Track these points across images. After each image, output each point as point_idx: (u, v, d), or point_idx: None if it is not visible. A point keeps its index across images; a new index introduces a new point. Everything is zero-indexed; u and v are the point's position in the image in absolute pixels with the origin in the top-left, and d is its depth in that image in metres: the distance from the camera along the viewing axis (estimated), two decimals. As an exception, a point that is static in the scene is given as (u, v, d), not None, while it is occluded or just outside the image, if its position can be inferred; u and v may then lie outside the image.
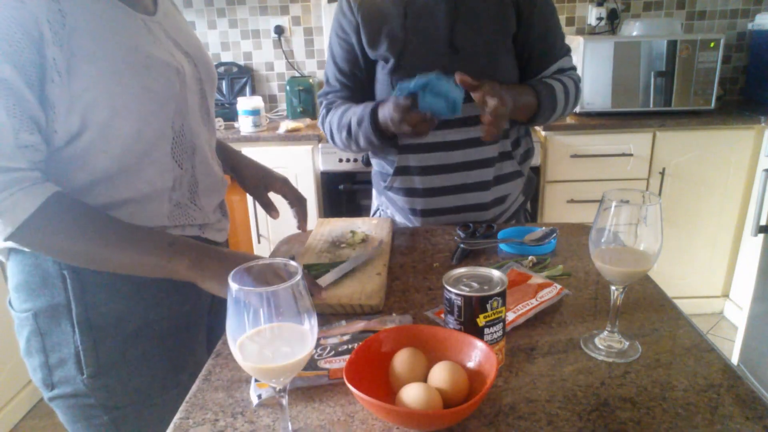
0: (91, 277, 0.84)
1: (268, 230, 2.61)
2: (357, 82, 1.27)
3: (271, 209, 1.14)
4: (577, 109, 2.53)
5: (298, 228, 1.16)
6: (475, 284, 0.71)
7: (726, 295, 2.75)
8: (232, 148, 1.17)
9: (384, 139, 1.15)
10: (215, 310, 1.05)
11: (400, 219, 1.33)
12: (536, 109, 1.16)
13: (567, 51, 1.26)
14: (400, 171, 1.24)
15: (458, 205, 1.24)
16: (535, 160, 2.44)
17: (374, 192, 1.41)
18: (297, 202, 1.14)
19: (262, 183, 1.15)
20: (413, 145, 1.20)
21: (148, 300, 0.89)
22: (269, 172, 1.16)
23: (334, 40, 1.26)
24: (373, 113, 1.12)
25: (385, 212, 1.37)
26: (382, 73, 1.22)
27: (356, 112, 1.17)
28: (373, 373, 0.67)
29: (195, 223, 0.94)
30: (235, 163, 1.15)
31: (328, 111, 1.29)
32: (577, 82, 1.25)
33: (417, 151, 1.21)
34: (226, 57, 3.04)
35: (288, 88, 2.84)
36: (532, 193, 1.39)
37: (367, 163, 2.47)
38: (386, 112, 1.07)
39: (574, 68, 1.28)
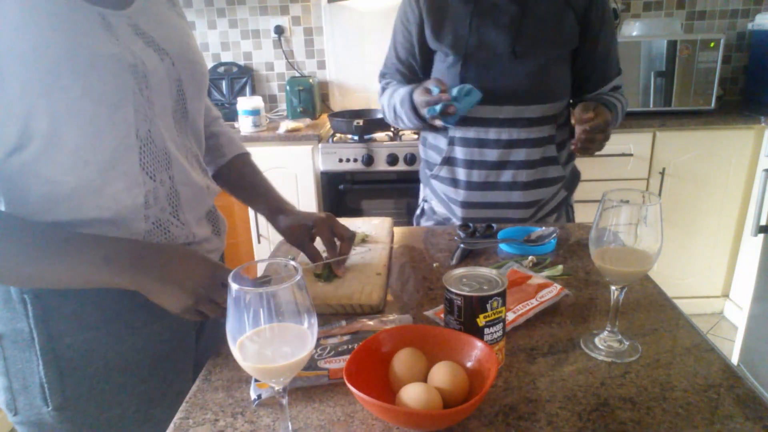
0: (54, 303, 0.77)
1: (268, 230, 2.61)
2: (411, 70, 1.36)
3: (317, 259, 1.00)
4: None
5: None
6: (475, 284, 0.71)
7: (726, 295, 2.75)
8: (267, 193, 1.06)
9: (421, 118, 1.24)
10: (205, 335, 1.00)
11: (442, 210, 1.39)
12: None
13: (620, 70, 1.34)
14: (447, 161, 1.31)
15: (496, 201, 1.30)
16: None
17: (421, 184, 1.49)
18: (331, 246, 1.00)
19: (306, 236, 1.01)
20: (461, 138, 1.28)
21: (121, 331, 0.81)
22: (306, 228, 1.01)
23: (398, 26, 1.34)
24: (411, 96, 1.24)
25: (429, 203, 1.44)
26: (441, 65, 1.29)
27: (400, 93, 1.29)
28: (373, 373, 0.67)
29: (177, 244, 0.85)
30: (273, 221, 1.05)
31: (383, 90, 1.41)
32: (624, 99, 1.34)
33: (464, 145, 1.28)
34: (226, 57, 3.04)
35: (288, 88, 2.84)
36: (575, 188, 1.43)
37: (368, 163, 2.47)
38: (416, 96, 1.21)
39: (621, 86, 1.36)
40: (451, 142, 1.29)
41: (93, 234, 0.75)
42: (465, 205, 1.32)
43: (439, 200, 1.38)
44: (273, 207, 1.05)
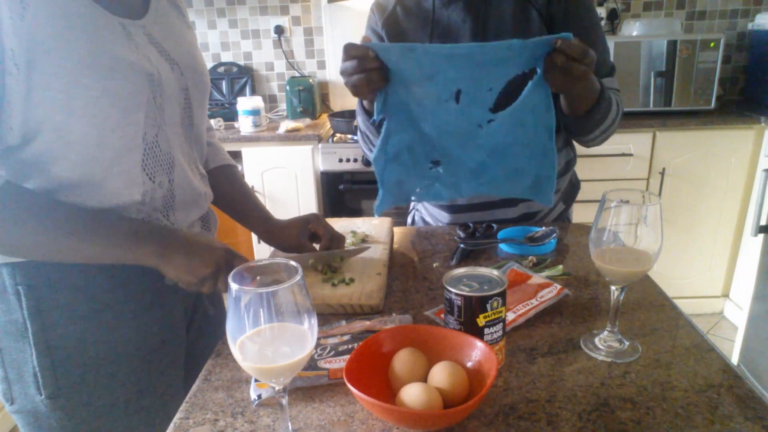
0: (48, 295, 0.80)
1: (268, 230, 2.61)
2: None
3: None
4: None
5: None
6: (475, 284, 0.71)
7: (726, 295, 2.75)
8: (258, 213, 1.08)
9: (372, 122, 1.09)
10: (196, 328, 1.01)
11: (432, 222, 1.34)
12: (595, 101, 1.02)
13: (610, 71, 1.14)
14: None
15: (485, 221, 1.22)
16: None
17: None
18: (327, 242, 1.04)
19: (302, 238, 1.04)
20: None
21: (111, 322, 0.84)
22: (301, 225, 1.05)
23: None
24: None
25: (420, 212, 1.38)
26: None
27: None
28: (373, 373, 0.67)
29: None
30: (264, 231, 1.07)
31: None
32: (620, 102, 1.14)
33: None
34: (226, 57, 3.04)
35: (288, 88, 2.84)
36: (573, 200, 1.34)
37: (367, 164, 2.47)
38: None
39: (617, 90, 1.17)
40: None
41: (116, 214, 0.80)
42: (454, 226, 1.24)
43: (426, 213, 1.33)
44: (262, 221, 1.07)
